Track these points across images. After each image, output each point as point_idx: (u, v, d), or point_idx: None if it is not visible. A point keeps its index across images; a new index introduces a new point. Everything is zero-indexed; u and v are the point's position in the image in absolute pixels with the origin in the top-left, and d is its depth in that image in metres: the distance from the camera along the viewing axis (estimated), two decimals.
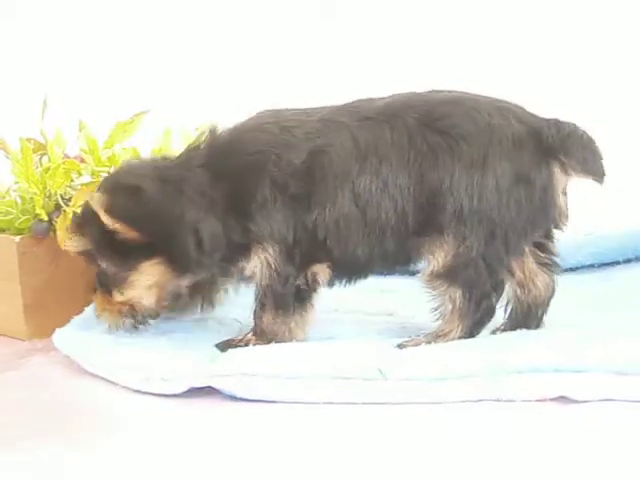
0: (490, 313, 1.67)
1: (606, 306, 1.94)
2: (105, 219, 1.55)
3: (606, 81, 2.53)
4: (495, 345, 1.61)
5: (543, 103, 2.21)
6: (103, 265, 1.63)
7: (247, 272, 1.66)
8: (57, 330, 1.76)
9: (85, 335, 1.73)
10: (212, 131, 1.68)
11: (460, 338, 1.65)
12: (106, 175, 1.77)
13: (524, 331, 1.71)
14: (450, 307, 1.65)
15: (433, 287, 1.65)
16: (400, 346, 1.65)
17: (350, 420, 1.44)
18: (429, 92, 1.70)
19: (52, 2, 2.54)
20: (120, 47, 2.53)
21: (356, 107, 1.68)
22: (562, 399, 1.46)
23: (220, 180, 1.62)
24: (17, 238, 1.83)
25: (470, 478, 1.23)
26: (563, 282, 2.09)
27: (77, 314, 1.83)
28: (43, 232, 1.85)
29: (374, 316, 1.91)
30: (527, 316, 1.74)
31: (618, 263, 2.19)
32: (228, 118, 1.73)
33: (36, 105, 2.28)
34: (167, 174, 1.62)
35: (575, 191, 2.35)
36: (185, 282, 1.66)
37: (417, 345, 1.64)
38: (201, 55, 2.56)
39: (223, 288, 1.78)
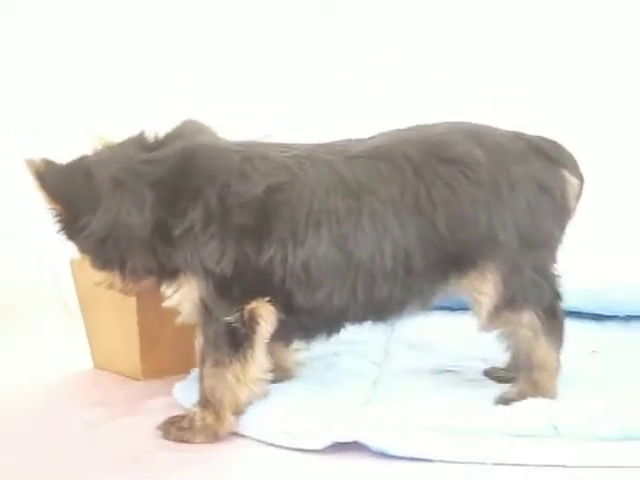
0: (564, 319, 1.61)
1: None
2: (34, 182, 1.54)
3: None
4: None
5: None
6: None
7: (172, 302, 1.55)
8: (177, 384, 1.72)
9: None
10: (183, 146, 1.56)
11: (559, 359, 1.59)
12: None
13: None
14: (530, 334, 1.57)
15: (500, 323, 1.58)
16: (502, 399, 1.56)
17: None
18: (411, 127, 1.63)
19: (52, 2, 2.57)
20: (121, 47, 2.56)
21: (343, 146, 1.59)
22: None
23: (160, 198, 1.52)
24: None
25: None
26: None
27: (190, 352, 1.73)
28: None
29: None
30: None
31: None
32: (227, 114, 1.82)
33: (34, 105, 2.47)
34: (124, 178, 1.52)
35: None
36: None
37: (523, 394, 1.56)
38: (200, 51, 2.57)
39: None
